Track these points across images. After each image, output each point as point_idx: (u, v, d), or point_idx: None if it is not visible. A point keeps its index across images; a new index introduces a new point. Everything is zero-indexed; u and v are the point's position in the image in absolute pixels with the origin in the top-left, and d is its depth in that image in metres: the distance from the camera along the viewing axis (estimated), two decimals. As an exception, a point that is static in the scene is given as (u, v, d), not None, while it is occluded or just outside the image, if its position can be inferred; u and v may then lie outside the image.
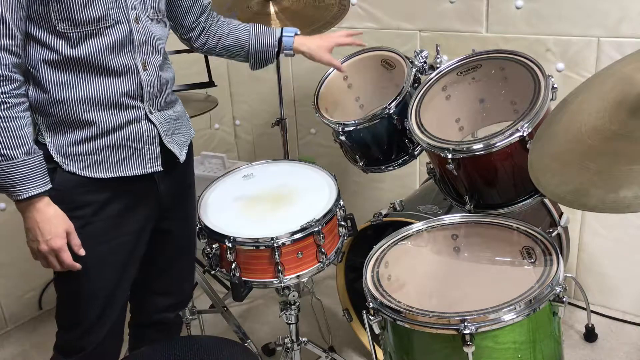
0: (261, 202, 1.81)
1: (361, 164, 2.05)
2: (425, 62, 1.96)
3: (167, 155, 1.52)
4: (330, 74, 2.13)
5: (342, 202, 1.77)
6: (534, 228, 1.57)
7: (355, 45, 1.93)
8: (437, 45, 1.94)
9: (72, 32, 1.33)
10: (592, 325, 2.30)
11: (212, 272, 1.75)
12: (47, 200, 1.35)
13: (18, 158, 1.29)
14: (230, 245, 1.64)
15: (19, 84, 1.31)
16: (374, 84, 2.11)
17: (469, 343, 1.30)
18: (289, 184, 1.88)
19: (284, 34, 1.79)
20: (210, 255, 1.69)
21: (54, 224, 1.35)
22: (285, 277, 1.66)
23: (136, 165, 1.47)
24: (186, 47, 2.36)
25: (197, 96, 2.50)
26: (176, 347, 1.55)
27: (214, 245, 1.68)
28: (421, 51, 1.96)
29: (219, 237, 1.67)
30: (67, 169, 1.40)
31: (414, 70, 1.94)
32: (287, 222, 1.67)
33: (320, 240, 1.67)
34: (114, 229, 1.48)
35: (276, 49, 1.79)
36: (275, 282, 1.67)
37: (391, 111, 1.88)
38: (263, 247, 1.63)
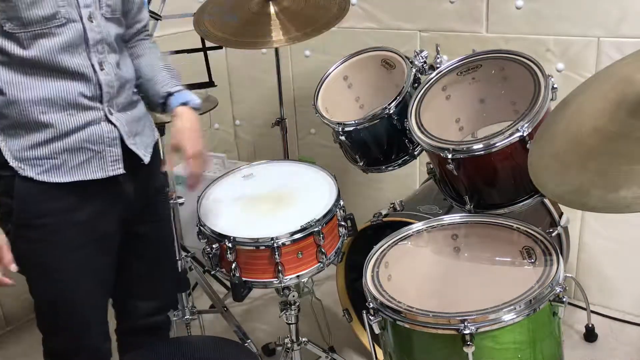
0: (261, 202, 1.81)
1: (361, 164, 2.05)
2: (425, 62, 1.96)
3: (130, 157, 1.47)
4: (330, 73, 2.13)
5: (342, 202, 1.77)
6: (534, 228, 1.57)
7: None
8: (437, 45, 1.94)
9: (21, 33, 1.28)
10: (592, 325, 2.30)
11: (212, 272, 1.74)
12: None
13: None
14: (230, 245, 1.64)
15: None
16: (374, 84, 2.11)
17: (469, 343, 1.30)
18: (289, 184, 1.88)
19: (175, 96, 1.56)
20: (210, 255, 1.69)
21: None
22: (285, 277, 1.66)
23: (97, 168, 1.42)
24: (186, 48, 2.37)
25: (197, 96, 2.49)
26: (176, 347, 1.55)
27: (214, 245, 1.68)
28: (421, 51, 1.96)
29: (219, 237, 1.67)
30: (24, 175, 1.36)
31: (414, 70, 1.94)
32: (287, 222, 1.67)
33: (320, 240, 1.67)
34: (83, 235, 1.44)
35: (161, 101, 1.58)
36: (275, 282, 1.67)
37: (391, 111, 1.88)
38: (263, 247, 1.63)
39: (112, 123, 1.43)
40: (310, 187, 1.84)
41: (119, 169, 1.45)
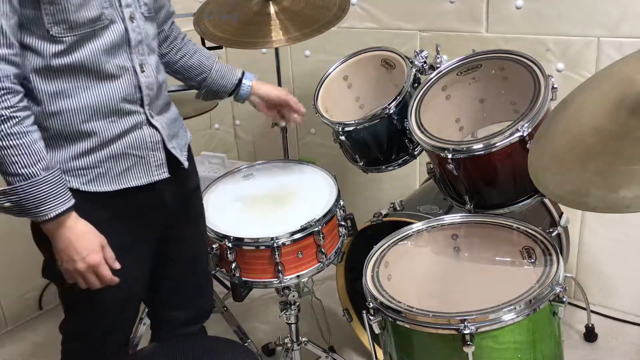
0: (261, 202, 1.81)
1: (361, 164, 2.05)
2: (425, 62, 1.96)
3: (170, 161, 1.46)
4: (330, 73, 2.13)
5: (342, 202, 1.77)
6: (534, 228, 1.57)
7: (293, 118, 1.88)
8: (437, 45, 1.94)
9: (67, 36, 1.25)
10: (592, 325, 2.30)
11: (212, 272, 1.75)
12: (75, 215, 1.27)
13: (38, 175, 1.21)
14: (230, 245, 1.64)
15: (22, 96, 1.23)
16: (374, 84, 2.11)
17: (469, 343, 1.30)
18: (289, 184, 1.88)
19: (245, 77, 1.78)
20: (211, 255, 1.69)
21: (88, 239, 1.28)
22: (285, 277, 1.67)
23: (142, 174, 1.40)
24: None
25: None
26: (176, 347, 1.55)
27: (214, 245, 1.68)
28: (421, 51, 1.96)
29: (219, 237, 1.67)
30: (68, 186, 1.31)
31: (414, 70, 1.94)
32: (287, 222, 1.67)
33: (320, 240, 1.67)
34: (124, 243, 1.41)
35: (233, 88, 1.77)
36: (275, 282, 1.68)
37: (391, 111, 1.88)
38: (263, 247, 1.63)
39: (153, 126, 1.42)
40: (310, 187, 1.84)
41: (164, 173, 1.44)
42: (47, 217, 1.23)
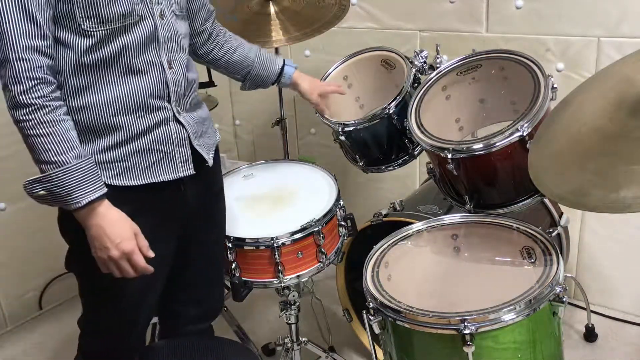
0: (261, 202, 1.81)
1: (361, 164, 2.05)
2: (425, 62, 1.96)
3: (195, 158, 1.46)
4: (330, 73, 2.13)
5: (342, 202, 1.77)
6: (534, 228, 1.57)
7: (338, 92, 2.03)
8: (437, 45, 1.94)
9: (98, 30, 1.27)
10: (592, 325, 2.30)
11: (213, 272, 1.74)
12: (107, 203, 1.29)
13: (70, 162, 1.22)
14: (230, 245, 1.64)
15: (55, 87, 1.25)
16: (374, 84, 2.11)
17: (469, 343, 1.30)
18: (289, 184, 1.88)
19: (286, 64, 1.84)
20: (211, 255, 1.69)
21: (121, 226, 1.29)
22: (285, 277, 1.67)
23: (167, 170, 1.41)
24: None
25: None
26: (177, 347, 1.55)
27: (214, 245, 1.68)
28: (421, 51, 1.96)
29: (219, 237, 1.67)
30: None
31: (413, 70, 1.94)
32: (287, 222, 1.67)
33: (320, 240, 1.67)
34: (147, 239, 1.40)
35: (276, 77, 1.83)
36: (275, 282, 1.68)
37: (391, 111, 1.88)
38: (263, 247, 1.63)
39: (180, 123, 1.43)
40: (310, 187, 1.84)
41: (189, 170, 1.45)
42: (79, 205, 1.24)
